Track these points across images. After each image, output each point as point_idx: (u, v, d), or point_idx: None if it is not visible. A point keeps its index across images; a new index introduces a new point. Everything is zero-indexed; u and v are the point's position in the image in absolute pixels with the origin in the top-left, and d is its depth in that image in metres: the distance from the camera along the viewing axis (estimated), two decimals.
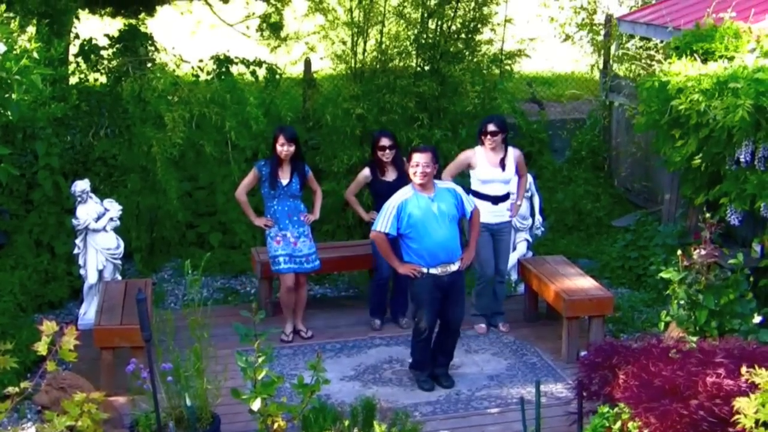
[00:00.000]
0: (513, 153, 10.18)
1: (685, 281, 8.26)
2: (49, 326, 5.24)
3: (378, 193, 10.09)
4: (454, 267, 8.72)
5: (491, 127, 9.97)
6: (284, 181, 9.78)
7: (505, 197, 10.16)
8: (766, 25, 10.34)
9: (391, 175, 10.13)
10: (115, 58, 12.42)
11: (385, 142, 10.09)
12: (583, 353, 8.03)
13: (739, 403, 5.37)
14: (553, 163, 14.23)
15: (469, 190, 9.84)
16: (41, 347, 5.18)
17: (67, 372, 8.04)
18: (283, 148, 9.70)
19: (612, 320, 10.27)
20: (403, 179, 9.46)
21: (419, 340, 8.96)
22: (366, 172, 10.25)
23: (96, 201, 10.29)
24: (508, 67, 13.43)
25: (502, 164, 10.05)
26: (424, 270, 8.67)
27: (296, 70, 13.85)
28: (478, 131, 10.19)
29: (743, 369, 5.59)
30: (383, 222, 8.67)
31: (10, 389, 5.33)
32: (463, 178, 10.54)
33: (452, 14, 12.41)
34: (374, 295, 10.47)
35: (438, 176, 9.20)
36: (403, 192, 8.71)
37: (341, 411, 7.47)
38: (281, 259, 9.86)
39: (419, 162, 8.57)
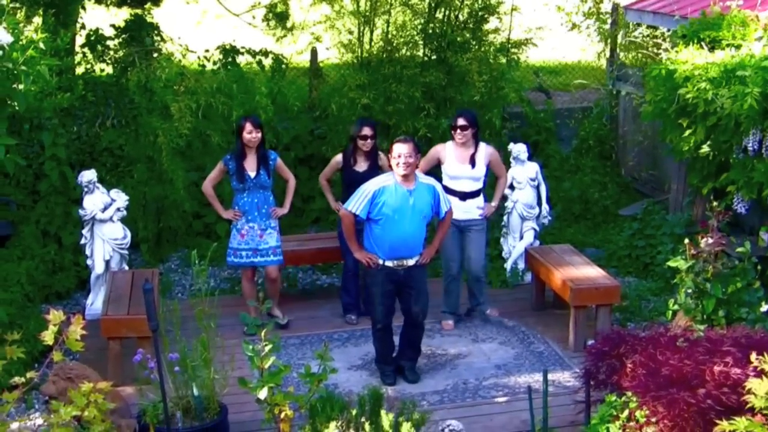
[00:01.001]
0: (485, 150, 9.98)
1: (692, 270, 8.23)
2: (55, 315, 5.25)
3: (346, 182, 10.06)
4: (411, 262, 8.66)
5: (460, 122, 9.79)
6: (252, 173, 9.75)
7: (475, 194, 9.96)
8: None
9: (362, 166, 10.04)
10: (122, 48, 12.44)
11: (367, 131, 9.97)
12: (590, 342, 8.02)
13: (751, 384, 5.35)
14: (560, 152, 14.21)
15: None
16: (48, 336, 5.18)
17: (74, 362, 8.05)
18: (251, 135, 9.68)
19: (619, 309, 10.25)
20: (374, 171, 9.45)
21: (374, 331, 8.98)
22: (338, 158, 10.21)
23: (103, 191, 10.29)
24: (515, 56, 13.40)
25: (472, 161, 9.89)
26: (380, 261, 8.65)
27: (302, 60, 13.84)
28: (449, 125, 10.07)
29: (752, 356, 5.57)
30: (356, 203, 8.59)
31: (17, 379, 5.34)
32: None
33: (459, 4, 12.38)
34: (344, 290, 10.46)
35: None
36: (384, 179, 8.64)
37: (349, 400, 7.46)
38: (243, 253, 9.88)
39: (401, 153, 8.46)
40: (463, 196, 9.87)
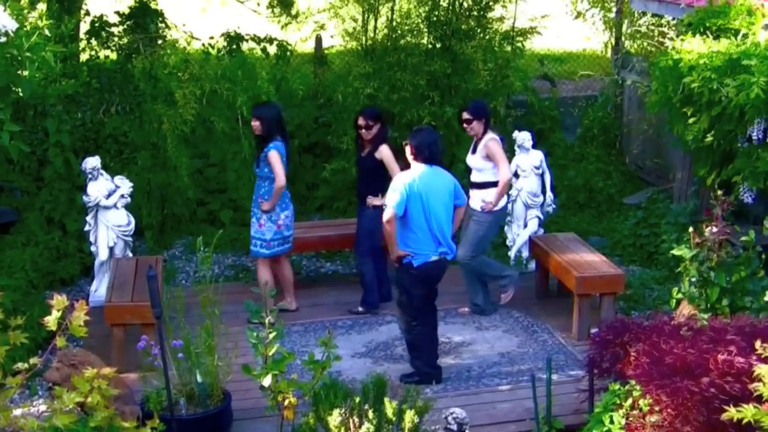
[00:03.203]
0: (485, 137, 9.80)
1: (696, 259, 8.22)
2: (59, 301, 5.24)
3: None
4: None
5: (464, 115, 9.83)
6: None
7: (479, 186, 9.85)
8: None
9: (364, 152, 10.06)
10: (126, 35, 12.43)
11: (360, 121, 9.93)
12: (594, 330, 8.02)
13: (760, 369, 5.34)
14: (565, 141, 14.21)
15: None
16: (51, 321, 5.17)
17: (78, 349, 8.04)
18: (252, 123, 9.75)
19: (623, 298, 10.25)
20: (369, 157, 9.54)
21: None
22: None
23: (107, 178, 10.29)
24: (519, 45, 13.36)
25: (474, 150, 9.92)
26: None
27: (307, 47, 13.83)
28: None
29: (756, 345, 5.56)
30: None
31: (20, 365, 5.33)
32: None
33: None
34: None
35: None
36: None
37: (352, 388, 7.46)
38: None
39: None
40: (471, 185, 9.91)
